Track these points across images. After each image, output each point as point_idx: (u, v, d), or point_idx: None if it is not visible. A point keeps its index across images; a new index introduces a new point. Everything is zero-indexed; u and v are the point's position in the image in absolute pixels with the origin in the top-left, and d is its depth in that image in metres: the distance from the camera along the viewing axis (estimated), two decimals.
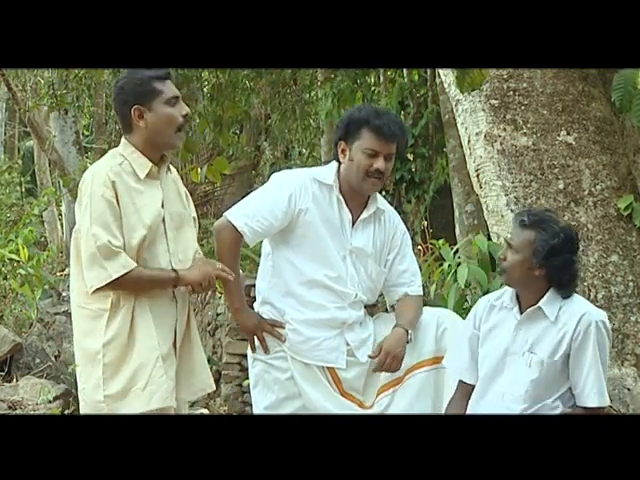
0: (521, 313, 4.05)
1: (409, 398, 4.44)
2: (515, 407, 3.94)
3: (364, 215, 4.50)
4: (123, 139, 4.19)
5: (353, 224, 4.48)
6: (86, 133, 18.89)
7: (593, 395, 3.86)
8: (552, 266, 3.91)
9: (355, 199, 4.47)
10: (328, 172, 4.49)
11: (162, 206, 4.16)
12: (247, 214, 4.35)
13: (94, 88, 14.97)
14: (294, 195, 4.38)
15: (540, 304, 3.97)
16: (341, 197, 4.44)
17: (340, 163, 4.49)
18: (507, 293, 4.14)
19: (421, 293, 4.73)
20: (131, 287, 4.01)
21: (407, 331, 4.46)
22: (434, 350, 4.47)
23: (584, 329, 3.87)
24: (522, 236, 3.98)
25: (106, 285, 3.97)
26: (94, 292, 4.01)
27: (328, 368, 4.43)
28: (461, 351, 4.25)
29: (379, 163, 4.35)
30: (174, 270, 4.08)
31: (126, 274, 3.96)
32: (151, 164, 4.13)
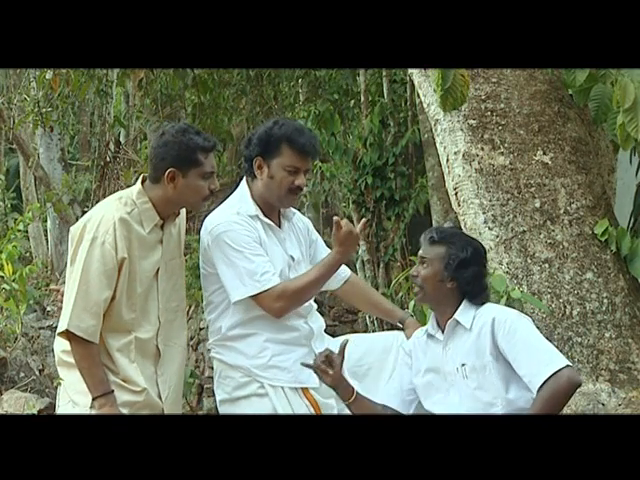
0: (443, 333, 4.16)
1: None
2: None
3: (285, 224, 4.50)
4: (139, 185, 4.21)
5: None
6: (71, 150, 18.82)
7: (543, 368, 3.83)
8: (462, 278, 4.02)
9: (274, 213, 4.46)
10: (246, 203, 4.41)
11: (160, 258, 4.21)
12: (262, 272, 4.23)
13: (78, 106, 14.98)
14: (255, 237, 4.31)
15: (455, 316, 4.06)
16: (268, 220, 4.40)
17: (252, 179, 4.44)
18: (430, 321, 4.24)
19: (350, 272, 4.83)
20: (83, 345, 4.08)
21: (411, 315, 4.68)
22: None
23: (502, 328, 3.92)
24: (433, 251, 4.09)
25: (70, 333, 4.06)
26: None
27: (303, 391, 4.38)
28: (394, 382, 4.39)
29: (300, 180, 4.35)
30: None
31: (87, 339, 4.04)
32: (158, 219, 4.16)
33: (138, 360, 4.14)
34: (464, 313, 4.05)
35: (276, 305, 4.23)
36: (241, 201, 4.41)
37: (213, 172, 4.19)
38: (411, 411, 4.31)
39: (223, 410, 4.44)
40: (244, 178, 4.50)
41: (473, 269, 4.07)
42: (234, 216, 4.34)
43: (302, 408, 4.31)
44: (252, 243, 4.25)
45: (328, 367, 4.16)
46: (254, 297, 4.24)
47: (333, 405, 4.41)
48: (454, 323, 4.07)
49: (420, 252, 4.18)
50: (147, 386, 4.14)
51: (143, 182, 4.22)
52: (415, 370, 4.27)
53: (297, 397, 4.33)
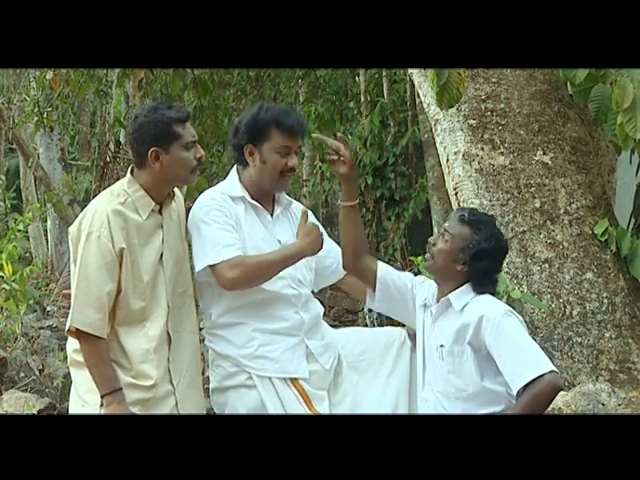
0: None
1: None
2: (448, 405, 3.98)
3: (278, 210, 4.47)
4: (129, 175, 4.20)
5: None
6: (71, 150, 18.83)
7: (526, 371, 3.80)
8: (475, 267, 3.97)
9: (265, 199, 4.43)
10: (232, 184, 4.41)
11: (162, 243, 4.21)
12: (225, 244, 4.20)
13: (78, 106, 14.99)
14: (229, 214, 4.29)
15: (449, 295, 4.03)
16: (254, 202, 4.37)
17: (244, 167, 4.42)
18: (433, 290, 4.22)
19: None
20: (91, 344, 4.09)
21: None
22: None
23: (490, 325, 3.88)
24: (457, 229, 4.04)
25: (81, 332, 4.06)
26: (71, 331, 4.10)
27: (292, 381, 4.32)
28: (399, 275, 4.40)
29: (292, 160, 4.33)
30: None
31: (94, 334, 4.03)
32: (154, 204, 4.16)
33: (157, 348, 4.15)
34: (460, 296, 4.03)
35: (230, 275, 4.17)
36: (228, 185, 4.42)
37: (195, 141, 4.19)
38: (379, 295, 4.34)
39: (214, 399, 4.43)
40: (234, 166, 4.50)
41: (488, 262, 4.02)
42: (216, 194, 4.37)
43: (291, 398, 4.29)
44: (223, 218, 4.25)
45: (338, 155, 4.24)
46: (212, 268, 4.21)
47: (324, 396, 4.39)
48: (447, 302, 4.05)
49: (446, 224, 4.14)
50: (160, 375, 4.14)
51: (132, 172, 4.22)
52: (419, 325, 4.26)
53: (286, 387, 4.31)
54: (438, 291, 4.14)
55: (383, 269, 4.36)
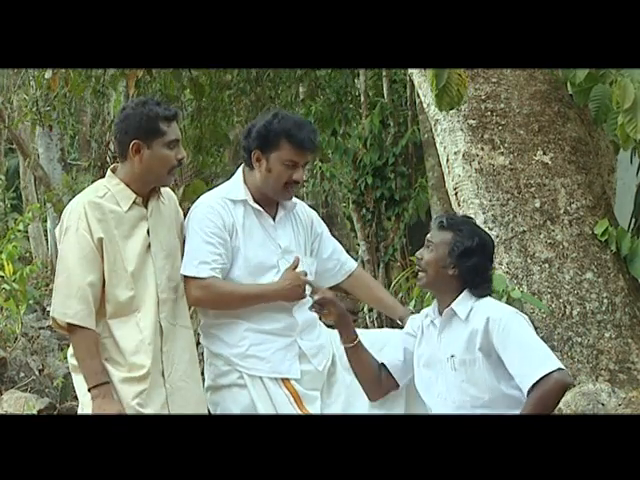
0: None
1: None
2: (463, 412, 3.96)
3: (281, 213, 4.46)
4: (109, 171, 4.24)
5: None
6: (70, 150, 18.83)
7: (534, 370, 3.80)
8: (465, 267, 3.98)
9: (269, 202, 4.42)
10: (235, 187, 4.42)
11: (148, 234, 4.20)
12: (202, 260, 4.24)
13: (77, 107, 14.98)
14: (222, 224, 4.30)
15: (452, 305, 4.03)
16: (257, 206, 4.38)
17: (247, 169, 4.42)
18: (432, 306, 4.22)
19: (356, 264, 4.81)
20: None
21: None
22: None
23: (497, 327, 3.89)
24: (440, 236, 4.06)
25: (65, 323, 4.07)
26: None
27: (283, 381, 4.33)
28: (396, 347, 4.33)
29: (298, 174, 4.32)
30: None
31: (80, 325, 4.03)
32: (135, 196, 4.16)
33: (150, 338, 4.14)
34: (462, 303, 4.04)
35: (195, 293, 4.25)
36: (231, 186, 4.43)
37: (178, 140, 4.20)
38: (404, 381, 4.30)
39: (208, 397, 4.44)
40: (241, 166, 4.50)
41: (476, 259, 4.03)
42: (215, 199, 4.38)
43: (282, 398, 4.29)
44: (213, 229, 4.27)
45: (324, 308, 4.23)
46: (184, 279, 4.27)
47: (316, 396, 4.39)
48: (451, 312, 4.05)
49: (428, 236, 4.16)
50: (153, 364, 4.14)
51: (114, 170, 4.24)
52: (417, 350, 4.24)
53: (277, 387, 4.31)
54: (438, 305, 4.14)
55: (393, 367, 4.30)
